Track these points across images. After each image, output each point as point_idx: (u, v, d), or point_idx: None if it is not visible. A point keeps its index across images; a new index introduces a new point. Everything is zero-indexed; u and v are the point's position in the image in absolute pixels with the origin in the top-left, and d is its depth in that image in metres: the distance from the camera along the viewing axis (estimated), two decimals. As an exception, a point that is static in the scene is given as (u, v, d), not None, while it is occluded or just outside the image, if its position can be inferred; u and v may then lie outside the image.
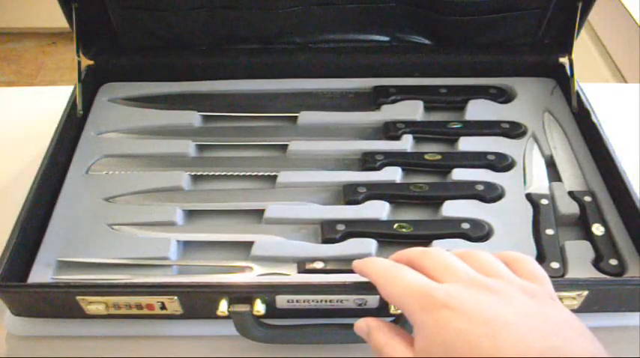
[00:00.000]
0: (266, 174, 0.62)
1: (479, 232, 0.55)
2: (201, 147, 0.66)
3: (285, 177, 0.61)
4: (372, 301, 0.49)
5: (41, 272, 0.52)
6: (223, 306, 0.47)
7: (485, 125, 0.67)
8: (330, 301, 0.49)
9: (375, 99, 0.70)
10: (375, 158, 0.62)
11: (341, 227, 0.55)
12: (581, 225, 0.57)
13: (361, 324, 0.42)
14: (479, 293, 0.35)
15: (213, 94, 0.71)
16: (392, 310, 0.48)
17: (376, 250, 0.54)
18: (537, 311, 0.35)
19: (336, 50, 0.72)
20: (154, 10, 0.66)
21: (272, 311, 0.48)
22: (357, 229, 0.55)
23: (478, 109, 0.68)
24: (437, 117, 0.69)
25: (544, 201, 0.58)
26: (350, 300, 0.49)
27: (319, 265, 0.52)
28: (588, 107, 0.64)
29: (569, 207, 0.57)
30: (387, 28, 0.70)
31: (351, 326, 0.49)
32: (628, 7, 1.17)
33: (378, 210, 0.57)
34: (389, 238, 0.55)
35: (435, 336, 0.34)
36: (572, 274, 0.52)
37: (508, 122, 0.66)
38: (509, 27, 0.69)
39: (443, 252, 0.40)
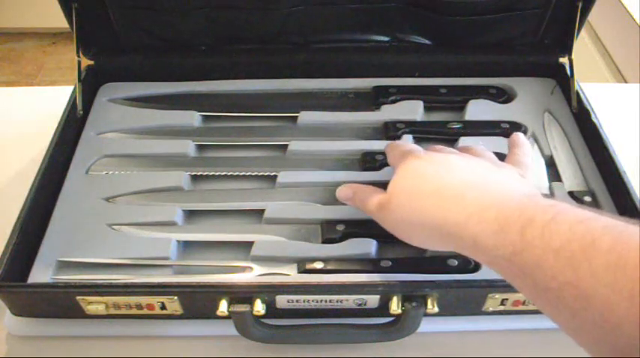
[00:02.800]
0: (266, 174, 0.62)
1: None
2: (201, 147, 0.66)
3: (285, 177, 0.61)
4: (372, 301, 0.49)
5: (41, 272, 0.52)
6: (223, 306, 0.47)
7: (486, 125, 0.67)
8: (330, 301, 0.49)
9: (375, 99, 0.70)
10: (375, 158, 0.62)
11: (341, 227, 0.55)
12: (581, 225, 0.57)
13: (345, 189, 0.53)
14: (447, 154, 0.47)
15: (213, 94, 0.71)
16: (392, 310, 0.48)
17: (376, 250, 0.54)
18: (492, 168, 0.45)
19: (336, 50, 0.71)
20: (154, 10, 0.66)
21: (272, 311, 0.48)
22: (357, 229, 0.55)
23: (478, 109, 0.68)
24: (437, 117, 0.69)
25: (544, 201, 0.58)
26: (350, 300, 0.49)
27: (319, 265, 0.52)
28: (588, 107, 0.64)
29: (569, 207, 0.57)
30: (387, 28, 0.70)
31: (351, 326, 0.49)
32: (628, 7, 1.17)
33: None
34: (389, 238, 0.55)
35: (400, 172, 0.45)
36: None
37: (508, 122, 0.66)
38: (509, 27, 0.69)
39: None
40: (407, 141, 0.65)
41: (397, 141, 0.60)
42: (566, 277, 0.31)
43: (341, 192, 0.53)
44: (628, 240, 0.30)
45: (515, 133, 0.54)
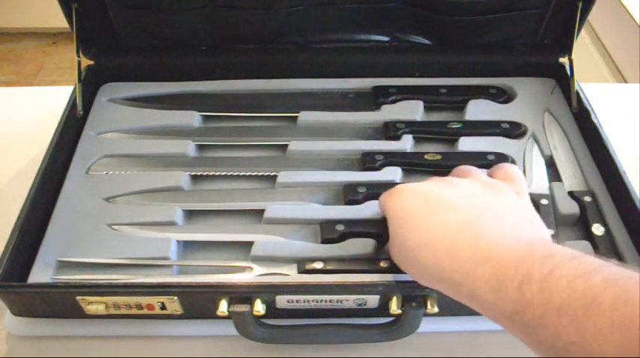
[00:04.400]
0: (266, 174, 0.62)
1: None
2: (201, 147, 0.66)
3: (285, 177, 0.61)
4: (372, 301, 0.49)
5: (41, 272, 0.52)
6: (223, 306, 0.47)
7: (485, 125, 0.66)
8: (330, 301, 0.49)
9: (375, 99, 0.70)
10: (375, 158, 0.62)
11: (340, 227, 0.55)
12: (581, 225, 0.57)
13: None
14: (437, 184, 0.43)
15: (213, 94, 0.71)
16: (392, 310, 0.48)
17: (376, 250, 0.54)
18: (484, 195, 0.41)
19: (336, 50, 0.71)
20: (154, 10, 0.66)
21: (272, 311, 0.48)
22: (357, 229, 0.55)
23: (478, 109, 0.68)
24: (437, 117, 0.69)
25: (544, 201, 0.58)
26: (350, 300, 0.49)
27: (319, 265, 0.52)
28: (588, 107, 0.64)
29: (569, 207, 0.57)
30: (387, 28, 0.70)
31: (351, 326, 0.49)
32: (628, 7, 1.17)
33: (378, 210, 0.57)
34: (389, 238, 0.55)
35: (390, 218, 0.43)
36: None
37: (508, 122, 0.66)
38: (509, 27, 0.69)
39: None
40: (407, 141, 0.65)
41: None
42: (571, 337, 0.30)
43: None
44: (631, 296, 0.29)
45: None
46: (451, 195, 0.42)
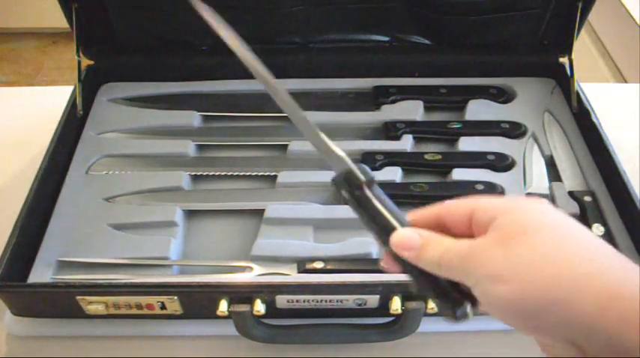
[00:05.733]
0: (266, 174, 0.62)
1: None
2: (201, 147, 0.66)
3: (285, 177, 0.61)
4: (372, 301, 0.49)
5: (41, 272, 0.52)
6: (223, 306, 0.47)
7: (485, 125, 0.66)
8: (330, 301, 0.49)
9: (375, 99, 0.70)
10: (375, 158, 0.62)
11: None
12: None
13: (408, 235, 0.31)
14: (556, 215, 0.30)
15: (213, 94, 0.71)
16: (392, 310, 0.48)
17: (376, 250, 0.54)
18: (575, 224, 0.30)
19: (336, 50, 0.71)
20: (154, 10, 0.66)
21: (272, 311, 0.48)
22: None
23: (478, 109, 0.68)
24: (437, 117, 0.69)
25: (544, 201, 0.58)
26: (350, 300, 0.49)
27: (319, 265, 0.52)
28: (588, 107, 0.64)
29: (569, 207, 0.57)
30: (387, 28, 0.70)
31: (351, 326, 0.49)
32: (628, 7, 1.16)
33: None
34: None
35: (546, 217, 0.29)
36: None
37: (508, 122, 0.66)
38: (509, 27, 0.69)
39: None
40: (407, 141, 0.65)
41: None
42: None
43: (399, 238, 0.31)
44: None
45: None
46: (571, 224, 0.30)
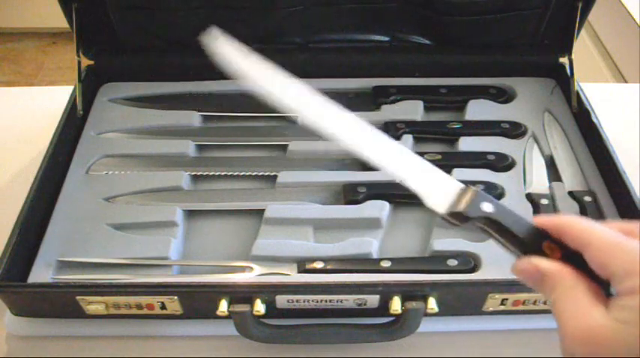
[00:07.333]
0: (266, 174, 0.62)
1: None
2: (201, 147, 0.66)
3: (285, 177, 0.61)
4: (372, 301, 0.49)
5: (41, 272, 0.52)
6: (223, 306, 0.47)
7: (485, 125, 0.67)
8: (330, 301, 0.49)
9: (375, 99, 0.70)
10: (375, 158, 0.62)
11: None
12: (581, 225, 0.57)
13: (526, 266, 0.32)
14: None
15: (213, 94, 0.71)
16: (392, 310, 0.48)
17: (376, 250, 0.54)
18: None
19: (336, 50, 0.71)
20: (154, 10, 0.66)
21: (272, 311, 0.48)
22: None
23: (478, 109, 0.68)
24: (437, 117, 0.69)
25: (544, 201, 0.58)
26: (350, 300, 0.49)
27: (319, 265, 0.52)
28: (588, 107, 0.64)
29: (569, 207, 0.57)
30: (387, 28, 0.70)
31: (351, 326, 0.49)
32: (628, 7, 1.16)
33: (378, 209, 0.57)
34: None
35: None
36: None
37: (508, 122, 0.66)
38: (509, 27, 0.69)
39: None
40: (407, 141, 0.65)
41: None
42: None
43: (520, 268, 0.33)
44: None
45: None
46: None
